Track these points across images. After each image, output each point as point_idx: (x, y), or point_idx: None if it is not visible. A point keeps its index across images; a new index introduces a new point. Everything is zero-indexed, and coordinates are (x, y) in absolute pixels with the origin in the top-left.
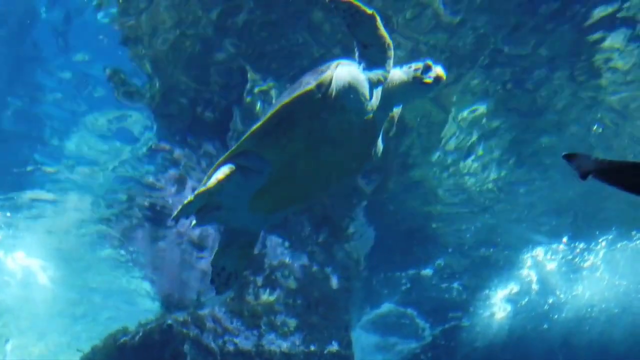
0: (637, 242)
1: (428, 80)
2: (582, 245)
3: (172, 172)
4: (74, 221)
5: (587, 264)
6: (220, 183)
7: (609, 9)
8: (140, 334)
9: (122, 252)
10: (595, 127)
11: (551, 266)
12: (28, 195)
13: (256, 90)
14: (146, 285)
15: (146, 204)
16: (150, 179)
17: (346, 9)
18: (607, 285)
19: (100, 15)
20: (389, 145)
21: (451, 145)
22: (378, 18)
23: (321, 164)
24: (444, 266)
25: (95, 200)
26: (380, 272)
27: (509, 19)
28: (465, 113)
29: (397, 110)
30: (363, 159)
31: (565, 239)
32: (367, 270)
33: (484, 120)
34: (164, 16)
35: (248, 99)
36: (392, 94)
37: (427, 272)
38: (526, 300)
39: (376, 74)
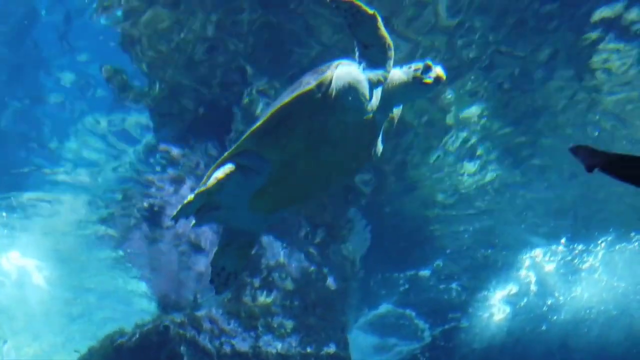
0: (636, 243)
1: (428, 80)
2: (580, 247)
3: (171, 172)
4: (71, 221)
5: (585, 266)
6: (220, 182)
7: (608, 11)
8: (137, 335)
9: (120, 252)
10: (590, 130)
11: (550, 267)
12: (25, 196)
13: (256, 90)
14: (143, 286)
15: (145, 204)
16: (149, 178)
17: (347, 8)
18: (606, 287)
19: (103, 18)
20: (387, 146)
21: (450, 146)
22: (379, 18)
23: (321, 164)
24: (442, 267)
25: (93, 201)
26: (377, 273)
27: (507, 20)
28: (463, 114)
29: (397, 111)
30: (363, 159)
31: (563, 241)
32: (364, 271)
33: (482, 122)
34: (164, 17)
35: (248, 99)
36: (392, 94)
37: (425, 273)
38: (525, 301)
39: (376, 74)
